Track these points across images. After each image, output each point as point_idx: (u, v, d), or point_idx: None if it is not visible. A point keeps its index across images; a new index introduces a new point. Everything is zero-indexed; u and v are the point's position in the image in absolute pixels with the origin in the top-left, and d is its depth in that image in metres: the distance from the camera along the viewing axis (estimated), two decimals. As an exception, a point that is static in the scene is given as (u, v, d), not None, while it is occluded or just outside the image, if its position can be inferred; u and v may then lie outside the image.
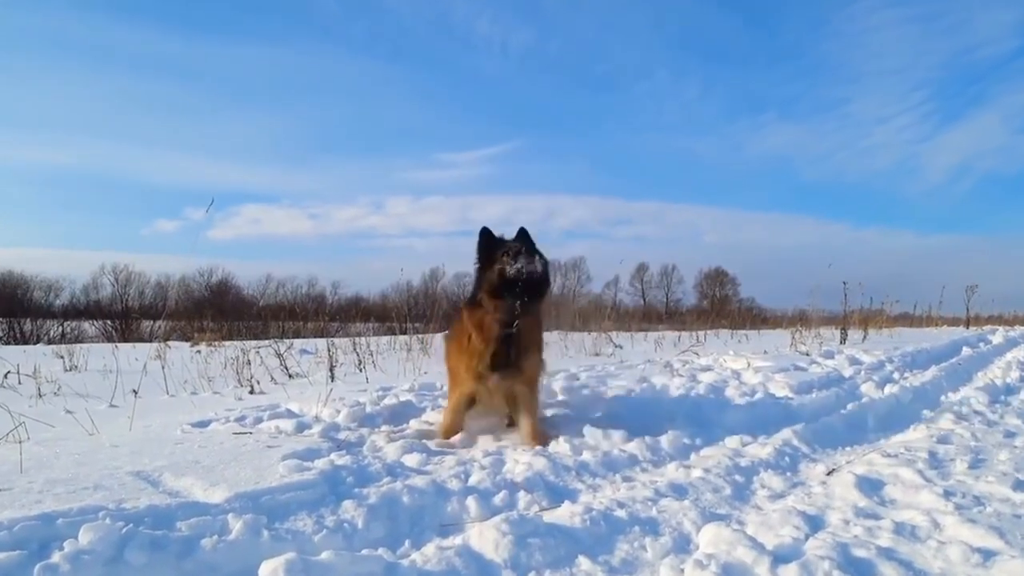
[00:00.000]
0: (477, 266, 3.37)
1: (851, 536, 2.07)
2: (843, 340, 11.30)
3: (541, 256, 3.27)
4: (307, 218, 79.44)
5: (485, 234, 3.34)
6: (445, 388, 5.02)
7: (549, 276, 3.36)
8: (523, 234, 3.34)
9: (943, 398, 5.07)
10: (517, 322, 3.20)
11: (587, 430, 3.33)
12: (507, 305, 3.18)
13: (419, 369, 7.28)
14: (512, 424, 3.61)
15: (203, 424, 3.59)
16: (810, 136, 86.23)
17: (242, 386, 6.05)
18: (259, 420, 3.71)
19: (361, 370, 7.42)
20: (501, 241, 3.34)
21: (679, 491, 2.53)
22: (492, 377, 3.29)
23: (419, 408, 4.23)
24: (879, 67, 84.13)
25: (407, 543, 2.07)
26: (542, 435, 3.33)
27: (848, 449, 3.43)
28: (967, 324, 20.95)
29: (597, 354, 9.56)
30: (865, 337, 12.13)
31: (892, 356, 7.29)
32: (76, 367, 8.12)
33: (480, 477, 2.57)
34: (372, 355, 8.21)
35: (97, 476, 2.38)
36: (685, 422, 3.64)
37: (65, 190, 72.48)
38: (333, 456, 2.80)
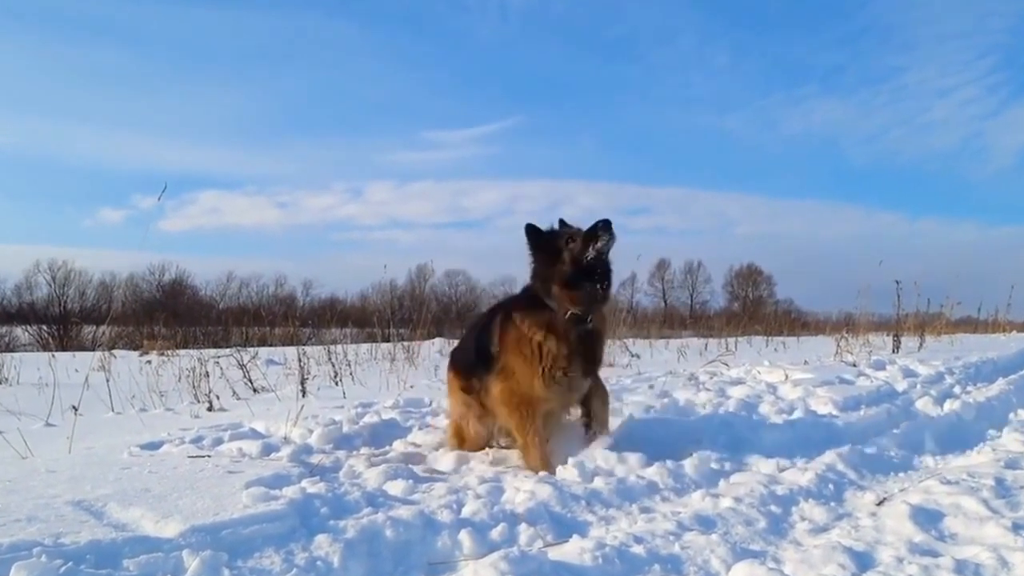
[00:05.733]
0: (535, 265, 3.47)
1: (905, 576, 2.07)
2: (896, 348, 11.31)
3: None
4: (274, 207, 79.73)
5: (532, 230, 3.45)
6: (435, 405, 5.05)
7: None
8: (563, 224, 3.51)
9: (1012, 415, 5.07)
10: (592, 315, 3.34)
11: (599, 453, 3.33)
12: (587, 294, 3.30)
13: (404, 382, 7.30)
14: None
15: (154, 446, 3.60)
16: (858, 112, 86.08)
17: (199, 402, 6.07)
18: (219, 441, 3.72)
19: (337, 383, 7.43)
20: (554, 231, 3.48)
21: (706, 524, 2.54)
22: (582, 383, 3.44)
23: (404, 427, 4.23)
24: (939, 31, 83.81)
25: (390, 584, 2.07)
26: None
27: (901, 475, 3.44)
28: (1039, 330, 20.94)
29: (611, 365, 9.56)
30: (921, 345, 12.13)
31: (953, 367, 7.29)
32: (6, 380, 8.15)
33: (475, 507, 2.58)
34: (350, 366, 8.23)
35: (31, 506, 2.38)
36: (712, 444, 3.64)
37: (-9, 174, 72.41)
38: (305, 483, 2.81)
